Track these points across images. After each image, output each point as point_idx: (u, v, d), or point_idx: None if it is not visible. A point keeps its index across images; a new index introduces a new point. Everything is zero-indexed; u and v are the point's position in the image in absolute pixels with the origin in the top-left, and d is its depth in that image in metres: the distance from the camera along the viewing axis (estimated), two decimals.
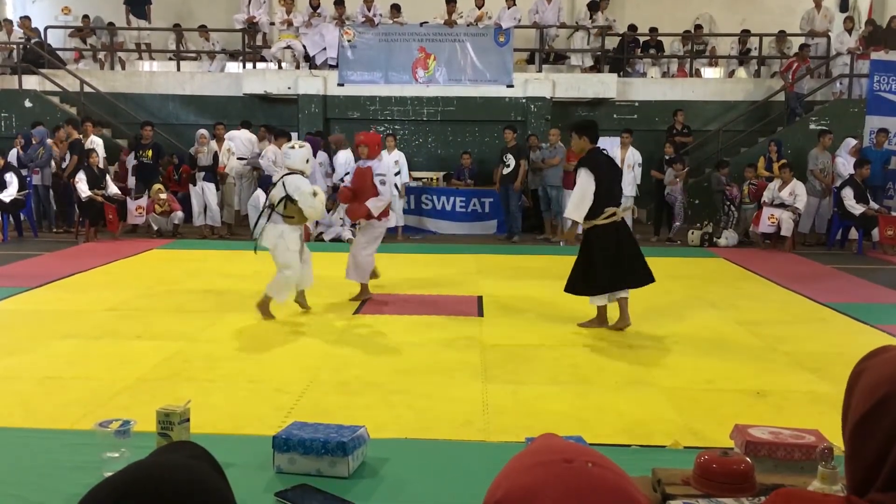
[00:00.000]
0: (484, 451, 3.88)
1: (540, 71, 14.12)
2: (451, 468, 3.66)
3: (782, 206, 11.10)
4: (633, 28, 15.12)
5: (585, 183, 6.18)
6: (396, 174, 12.12)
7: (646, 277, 6.41)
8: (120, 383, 4.92)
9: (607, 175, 6.31)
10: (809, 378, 5.27)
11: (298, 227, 6.76)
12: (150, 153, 12.22)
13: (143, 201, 11.76)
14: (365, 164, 7.33)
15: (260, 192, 11.31)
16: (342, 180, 11.85)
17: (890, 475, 1.04)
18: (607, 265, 6.21)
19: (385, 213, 7.45)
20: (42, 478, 3.41)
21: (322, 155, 11.92)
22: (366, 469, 3.54)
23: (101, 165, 11.52)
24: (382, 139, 7.62)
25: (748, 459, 2.48)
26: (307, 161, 6.75)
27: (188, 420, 3.47)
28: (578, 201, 6.24)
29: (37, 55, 14.23)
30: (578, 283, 6.42)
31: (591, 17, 14.56)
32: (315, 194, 6.62)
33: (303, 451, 3.41)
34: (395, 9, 13.63)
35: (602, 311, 6.49)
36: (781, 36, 14.87)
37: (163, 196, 11.65)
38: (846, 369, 1.19)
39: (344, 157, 11.87)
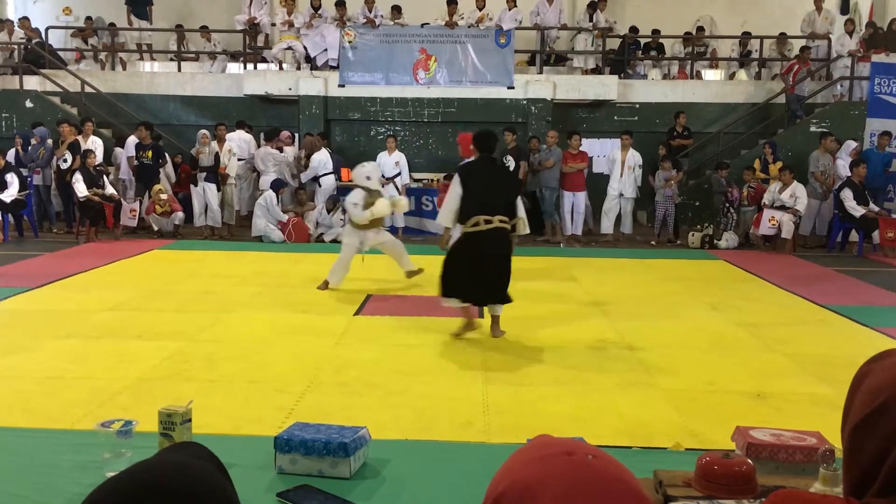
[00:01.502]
0: (485, 452, 3.88)
1: (541, 72, 14.12)
2: (452, 469, 3.66)
3: (783, 208, 11.11)
4: (634, 30, 15.13)
5: (452, 190, 6.13)
6: (397, 175, 12.15)
7: (492, 298, 6.15)
8: (120, 383, 4.92)
9: (481, 184, 6.03)
10: (809, 380, 5.27)
11: (357, 231, 7.96)
12: (149, 154, 12.22)
13: (137, 204, 11.75)
14: (462, 163, 8.00)
15: (270, 194, 11.35)
16: (317, 180, 12.05)
17: (886, 480, 1.04)
18: (459, 271, 6.01)
19: None
20: (44, 477, 3.41)
21: (282, 154, 12.27)
22: (367, 470, 3.54)
23: (99, 166, 11.54)
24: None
25: (750, 461, 2.47)
26: (367, 178, 7.87)
27: (190, 420, 3.47)
28: (445, 208, 6.24)
29: (38, 55, 14.24)
30: (441, 282, 6.19)
31: (589, 18, 14.55)
32: (355, 203, 7.82)
33: (304, 451, 3.41)
34: (396, 10, 13.64)
35: (464, 312, 6.17)
36: (782, 38, 14.88)
37: (163, 196, 11.65)
38: (846, 371, 1.19)
39: (318, 159, 11.93)
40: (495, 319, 6.28)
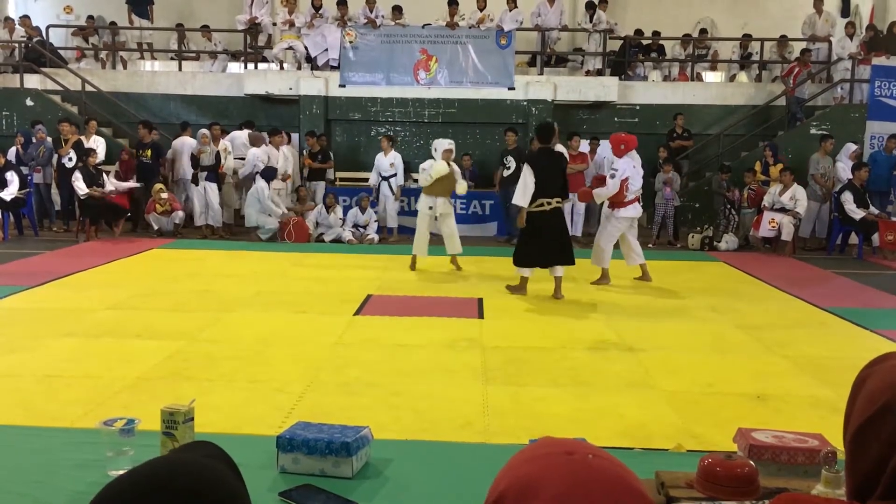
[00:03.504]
0: (485, 453, 3.88)
1: (541, 74, 14.13)
2: (452, 470, 3.66)
3: (783, 210, 11.11)
4: (638, 33, 15.13)
5: (527, 175, 7.47)
6: (392, 176, 12.13)
7: (561, 260, 7.59)
8: (120, 382, 4.92)
9: (544, 172, 7.48)
10: (809, 382, 5.28)
11: (429, 196, 9.00)
12: (149, 153, 12.21)
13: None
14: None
15: (262, 184, 11.33)
16: (257, 174, 11.91)
17: (889, 484, 1.04)
18: (529, 245, 7.57)
19: (619, 205, 8.45)
20: (45, 476, 3.40)
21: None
22: (369, 470, 3.54)
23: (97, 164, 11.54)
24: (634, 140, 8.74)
25: (752, 463, 2.48)
26: (435, 150, 8.96)
27: (192, 419, 3.46)
28: (522, 190, 7.48)
29: (38, 54, 14.24)
30: (515, 254, 7.84)
31: (589, 19, 14.55)
32: (424, 169, 9.05)
33: (307, 451, 3.41)
34: (397, 10, 13.64)
35: (523, 281, 7.76)
36: (783, 40, 14.90)
37: (164, 195, 11.65)
38: (846, 373, 1.20)
39: (253, 154, 11.87)
40: (558, 280, 7.70)
